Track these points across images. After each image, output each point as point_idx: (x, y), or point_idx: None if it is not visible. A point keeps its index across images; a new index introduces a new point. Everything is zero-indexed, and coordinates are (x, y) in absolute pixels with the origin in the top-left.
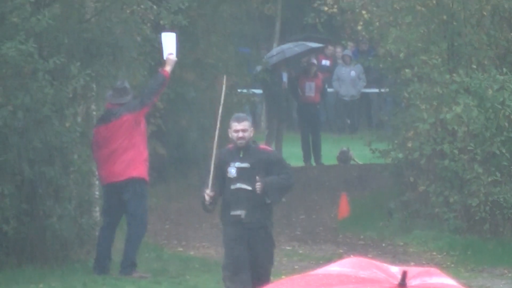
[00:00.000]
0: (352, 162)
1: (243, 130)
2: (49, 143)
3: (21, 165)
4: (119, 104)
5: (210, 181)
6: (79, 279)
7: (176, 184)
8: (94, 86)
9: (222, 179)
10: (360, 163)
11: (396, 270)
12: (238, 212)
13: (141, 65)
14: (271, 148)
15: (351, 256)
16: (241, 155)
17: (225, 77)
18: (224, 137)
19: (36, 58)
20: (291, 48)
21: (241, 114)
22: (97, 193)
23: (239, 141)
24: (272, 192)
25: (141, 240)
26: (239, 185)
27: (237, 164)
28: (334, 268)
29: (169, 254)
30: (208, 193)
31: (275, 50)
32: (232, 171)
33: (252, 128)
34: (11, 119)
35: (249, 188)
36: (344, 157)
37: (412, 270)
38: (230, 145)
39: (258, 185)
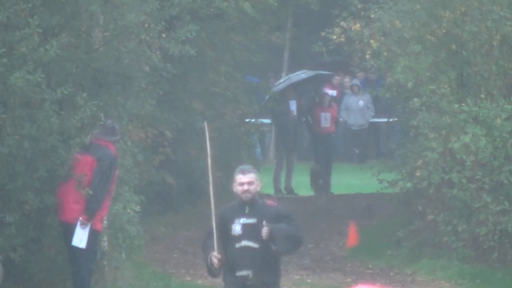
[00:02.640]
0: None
1: (249, 183)
2: (55, 172)
3: (27, 194)
4: (104, 141)
5: (215, 243)
6: None
7: (184, 213)
8: (102, 115)
9: (225, 237)
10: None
11: None
12: (244, 273)
13: (150, 95)
14: (277, 203)
15: (359, 284)
16: (246, 211)
17: (205, 123)
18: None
19: (44, 88)
20: (298, 75)
21: (246, 166)
22: (105, 222)
23: (244, 195)
24: (279, 238)
25: None
26: (244, 243)
27: (242, 220)
28: None
29: (177, 283)
30: (215, 255)
31: (283, 78)
32: (236, 228)
33: (258, 182)
34: (17, 148)
35: (256, 246)
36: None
37: None
38: (232, 202)
39: (264, 230)
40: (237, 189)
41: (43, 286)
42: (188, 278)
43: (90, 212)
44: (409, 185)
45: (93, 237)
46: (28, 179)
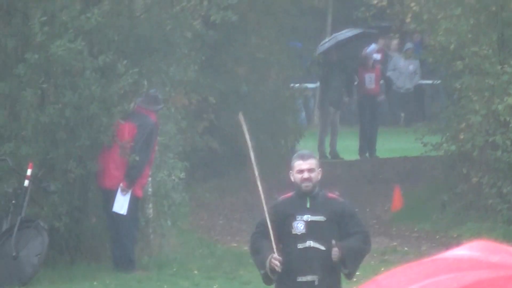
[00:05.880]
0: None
1: (310, 170)
2: (98, 140)
3: (69, 162)
4: (147, 110)
5: (274, 243)
6: (133, 276)
7: (229, 179)
8: (145, 82)
9: (282, 236)
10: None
11: None
12: (309, 278)
13: (192, 61)
14: (339, 196)
15: (475, 241)
16: (308, 205)
17: (240, 114)
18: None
19: (85, 56)
20: (343, 33)
21: (305, 151)
22: (149, 189)
23: (304, 184)
24: (350, 260)
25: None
26: (309, 244)
27: (306, 217)
28: (463, 252)
29: (222, 249)
30: (276, 257)
31: (328, 38)
32: (299, 226)
33: (320, 169)
34: (59, 117)
35: (323, 247)
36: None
37: None
38: (288, 194)
39: (335, 252)
40: (296, 177)
41: (88, 254)
42: (234, 245)
43: (131, 179)
44: (453, 148)
45: (134, 203)
46: (71, 147)
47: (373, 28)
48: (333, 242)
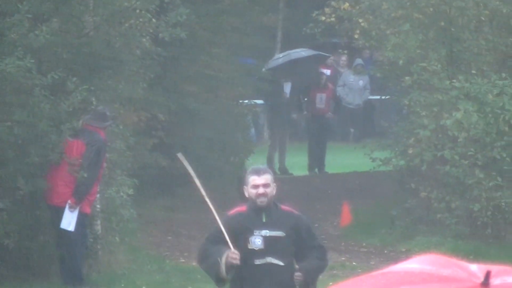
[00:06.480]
0: None
1: (265, 185)
2: (47, 157)
3: (18, 179)
4: (95, 127)
5: (230, 243)
6: None
7: (179, 196)
8: (94, 100)
9: (237, 250)
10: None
11: (475, 268)
12: None
13: (141, 78)
14: (293, 208)
15: (425, 255)
16: (264, 220)
17: (179, 155)
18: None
19: (35, 74)
20: (298, 52)
21: (261, 166)
22: (98, 206)
23: (259, 199)
24: (311, 281)
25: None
26: (269, 260)
27: (265, 232)
28: (413, 265)
29: (171, 265)
30: (234, 251)
31: (282, 53)
32: (257, 241)
33: (275, 184)
34: (8, 134)
35: (282, 263)
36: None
37: (492, 268)
38: (241, 208)
39: (298, 276)
40: (251, 192)
41: (37, 271)
42: (183, 260)
43: (79, 195)
44: (402, 163)
45: (82, 220)
46: (20, 164)
47: (322, 44)
48: (297, 266)
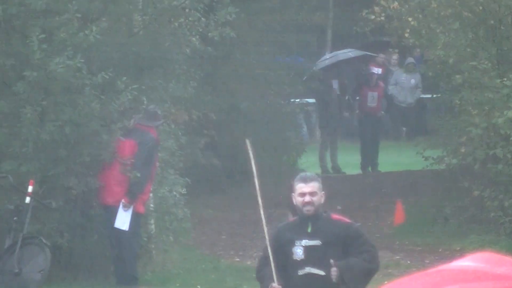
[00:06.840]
0: None
1: (311, 194)
2: (98, 156)
3: (70, 179)
4: (147, 126)
5: (274, 271)
6: None
7: (231, 195)
8: (144, 99)
9: (285, 263)
10: None
11: None
12: None
13: (191, 77)
14: (345, 217)
15: (479, 253)
16: (309, 230)
17: (247, 141)
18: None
19: (84, 73)
20: (345, 53)
21: (308, 174)
22: (151, 205)
23: (306, 208)
24: (351, 279)
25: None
26: (308, 270)
27: (305, 242)
28: (468, 263)
29: (226, 264)
30: (275, 286)
31: (329, 54)
32: (298, 251)
33: (323, 192)
34: (59, 134)
35: (322, 273)
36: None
37: None
38: (291, 218)
39: (333, 271)
40: (298, 200)
41: (90, 270)
42: (237, 259)
43: (133, 195)
44: (454, 161)
45: (136, 219)
46: (72, 164)
47: (372, 43)
48: (331, 261)
